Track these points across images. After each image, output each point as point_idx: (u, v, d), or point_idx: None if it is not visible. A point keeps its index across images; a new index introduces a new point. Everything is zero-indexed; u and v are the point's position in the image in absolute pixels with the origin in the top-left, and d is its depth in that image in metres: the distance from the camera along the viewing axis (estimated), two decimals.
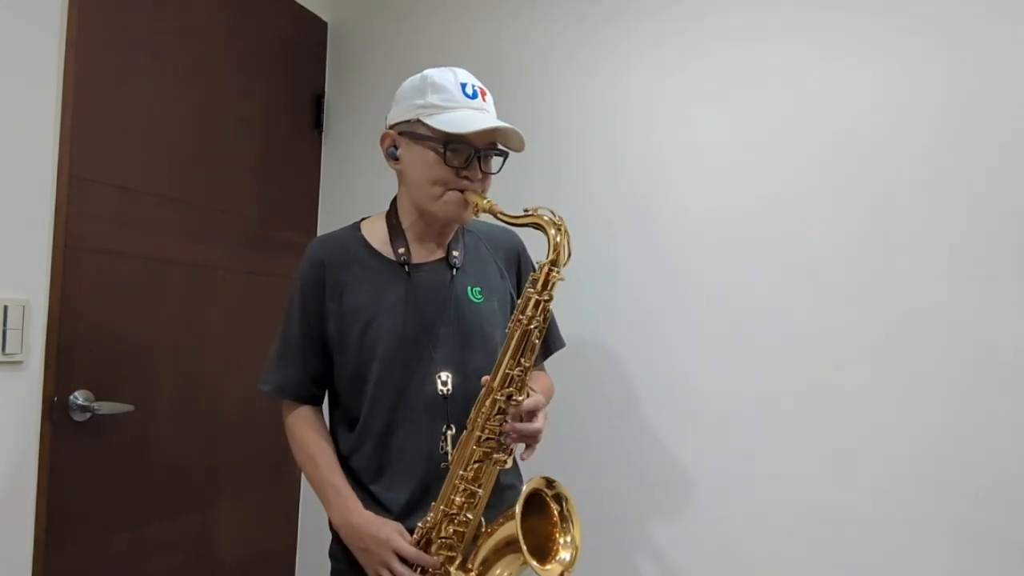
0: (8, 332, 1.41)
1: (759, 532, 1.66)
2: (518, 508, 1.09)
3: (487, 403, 1.16)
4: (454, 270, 1.31)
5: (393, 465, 1.25)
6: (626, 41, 1.86)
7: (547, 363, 1.48)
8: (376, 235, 1.33)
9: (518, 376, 1.15)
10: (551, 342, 1.43)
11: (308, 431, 1.32)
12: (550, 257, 1.17)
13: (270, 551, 2.12)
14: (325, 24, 2.26)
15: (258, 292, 2.03)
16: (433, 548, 1.17)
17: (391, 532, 1.18)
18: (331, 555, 1.32)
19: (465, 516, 1.16)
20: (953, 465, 1.50)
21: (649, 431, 1.77)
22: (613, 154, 1.85)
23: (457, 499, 1.16)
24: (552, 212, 1.19)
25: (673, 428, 1.75)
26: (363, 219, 1.39)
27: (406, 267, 1.29)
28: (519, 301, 1.18)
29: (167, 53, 1.75)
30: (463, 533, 1.17)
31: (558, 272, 1.17)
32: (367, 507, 1.24)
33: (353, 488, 1.26)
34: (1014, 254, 1.48)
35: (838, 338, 1.61)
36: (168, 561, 1.77)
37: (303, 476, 2.17)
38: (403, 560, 1.17)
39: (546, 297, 1.17)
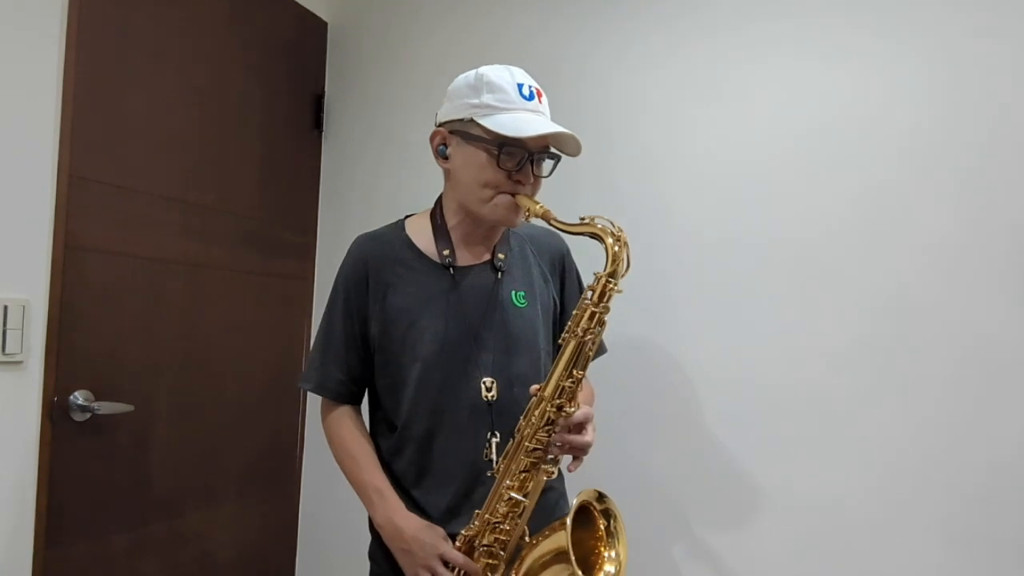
0: (8, 332, 1.41)
1: (750, 532, 1.66)
2: (569, 519, 1.06)
3: (536, 413, 1.13)
4: (499, 273, 1.28)
5: (434, 470, 1.23)
6: (638, 41, 1.86)
7: None
8: (421, 235, 1.30)
9: (569, 387, 1.13)
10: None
11: (349, 431, 1.30)
12: (608, 269, 1.13)
13: (270, 551, 2.12)
14: (325, 24, 2.26)
15: (258, 292, 2.03)
16: (475, 555, 1.16)
17: (437, 537, 1.17)
18: (370, 556, 1.31)
19: (509, 525, 1.14)
20: (945, 463, 1.50)
21: (650, 430, 1.78)
22: (613, 154, 1.86)
23: (501, 508, 1.14)
24: (611, 222, 1.16)
25: (673, 427, 1.75)
26: (408, 216, 1.36)
27: (451, 269, 1.26)
28: (575, 311, 1.15)
29: (167, 53, 1.75)
30: (506, 542, 1.15)
31: (616, 284, 1.14)
32: (409, 511, 1.22)
33: (397, 492, 1.25)
34: (1008, 251, 1.48)
35: (831, 336, 1.61)
36: (168, 561, 1.77)
37: (302, 478, 2.19)
38: (446, 565, 1.15)
39: (602, 309, 1.13)
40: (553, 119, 1.23)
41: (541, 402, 1.13)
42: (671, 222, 1.78)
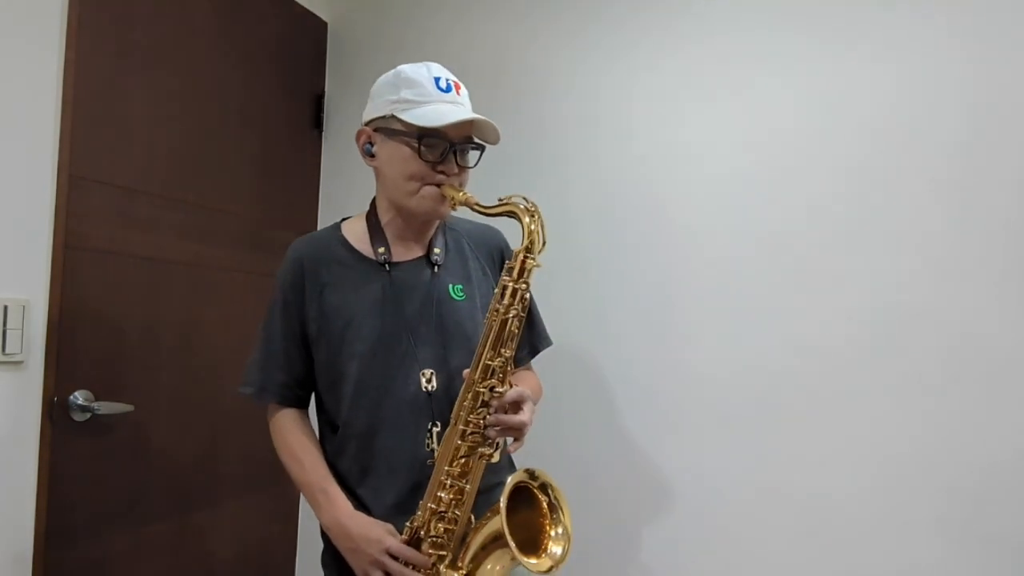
0: (8, 332, 1.41)
1: (747, 530, 1.66)
2: (503, 502, 1.07)
3: (469, 396, 1.14)
4: (435, 268, 1.29)
5: (377, 467, 1.23)
6: (633, 43, 1.86)
7: (541, 365, 1.46)
8: (356, 234, 1.32)
9: (499, 367, 1.14)
10: (537, 341, 1.42)
11: (292, 433, 1.29)
12: (524, 244, 1.15)
13: (270, 551, 2.12)
14: (325, 24, 2.26)
15: (258, 292, 2.03)
16: (423, 547, 1.16)
17: (382, 532, 1.17)
18: (323, 563, 1.30)
19: (454, 513, 1.15)
20: (941, 462, 1.51)
21: (642, 429, 1.78)
22: (613, 154, 1.86)
23: (444, 496, 1.15)
24: (525, 199, 1.18)
25: (669, 428, 1.75)
26: (344, 219, 1.38)
27: (386, 266, 1.27)
28: (495, 290, 1.17)
29: (167, 53, 1.75)
30: (452, 531, 1.15)
31: (534, 259, 1.16)
32: (354, 510, 1.22)
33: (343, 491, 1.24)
34: (1004, 250, 1.48)
35: (825, 335, 1.61)
36: (168, 561, 1.77)
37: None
38: (394, 559, 1.15)
39: (522, 285, 1.15)
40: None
41: (472, 385, 1.14)
42: (665, 220, 1.78)
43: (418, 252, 1.31)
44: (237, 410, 1.96)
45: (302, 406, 1.34)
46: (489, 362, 1.14)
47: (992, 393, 1.48)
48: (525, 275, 1.16)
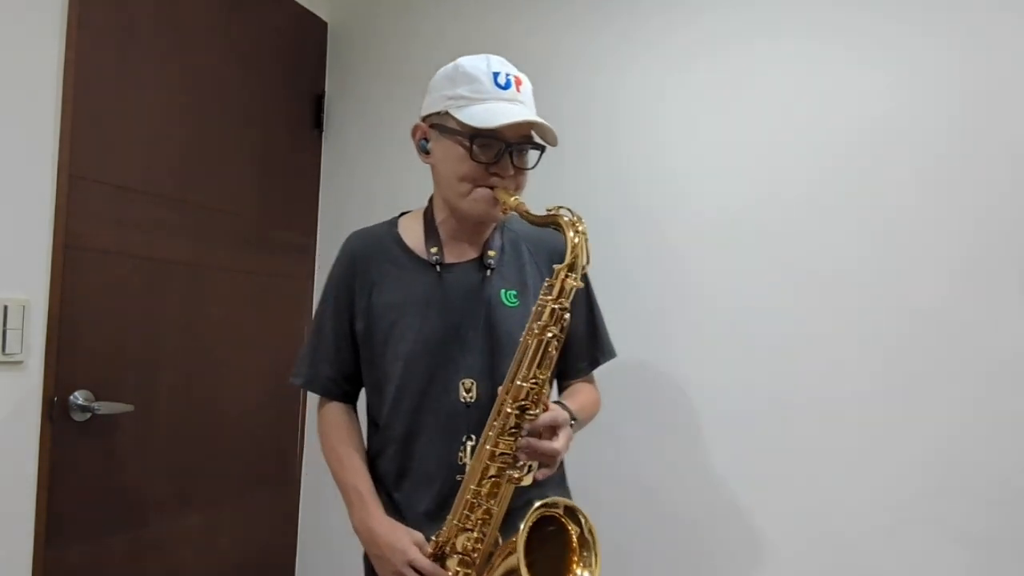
0: (8, 332, 1.41)
1: (760, 536, 1.66)
2: (520, 543, 0.98)
3: (500, 416, 1.09)
4: (488, 271, 1.23)
5: (414, 473, 1.20)
6: (628, 40, 1.86)
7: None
8: (412, 232, 1.28)
9: (532, 389, 1.07)
10: (598, 353, 1.34)
11: (336, 429, 1.28)
12: (567, 260, 1.09)
13: (270, 551, 2.12)
14: (325, 24, 2.26)
15: (258, 292, 2.03)
16: (451, 563, 1.11)
17: (408, 543, 1.13)
18: (364, 558, 1.27)
19: (481, 532, 1.10)
20: (958, 468, 1.50)
21: (649, 435, 1.77)
22: (615, 154, 1.86)
23: (473, 515, 1.10)
24: (571, 211, 1.12)
25: (674, 432, 1.75)
26: (403, 214, 1.34)
27: (437, 267, 1.23)
28: (534, 308, 1.10)
29: (167, 53, 1.75)
30: (480, 550, 1.10)
31: (576, 278, 1.09)
32: (389, 513, 1.20)
33: (377, 491, 1.23)
34: (1018, 256, 1.48)
35: (841, 341, 1.60)
36: (168, 561, 1.77)
37: (302, 477, 2.19)
38: (418, 572, 1.11)
39: (562, 304, 1.08)
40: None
41: (502, 405, 1.09)
42: (674, 223, 1.78)
43: (472, 254, 1.25)
44: (237, 410, 1.96)
45: (350, 401, 1.33)
46: (522, 383, 1.07)
47: (1005, 397, 1.47)
48: (566, 295, 1.08)
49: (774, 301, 1.67)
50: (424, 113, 1.23)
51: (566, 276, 1.09)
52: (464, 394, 1.18)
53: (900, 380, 1.55)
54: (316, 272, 2.23)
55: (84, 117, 1.55)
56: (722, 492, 1.69)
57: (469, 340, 1.19)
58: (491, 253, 1.25)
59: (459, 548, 1.11)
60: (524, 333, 1.10)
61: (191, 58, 1.81)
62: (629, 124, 1.84)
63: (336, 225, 2.22)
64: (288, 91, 2.14)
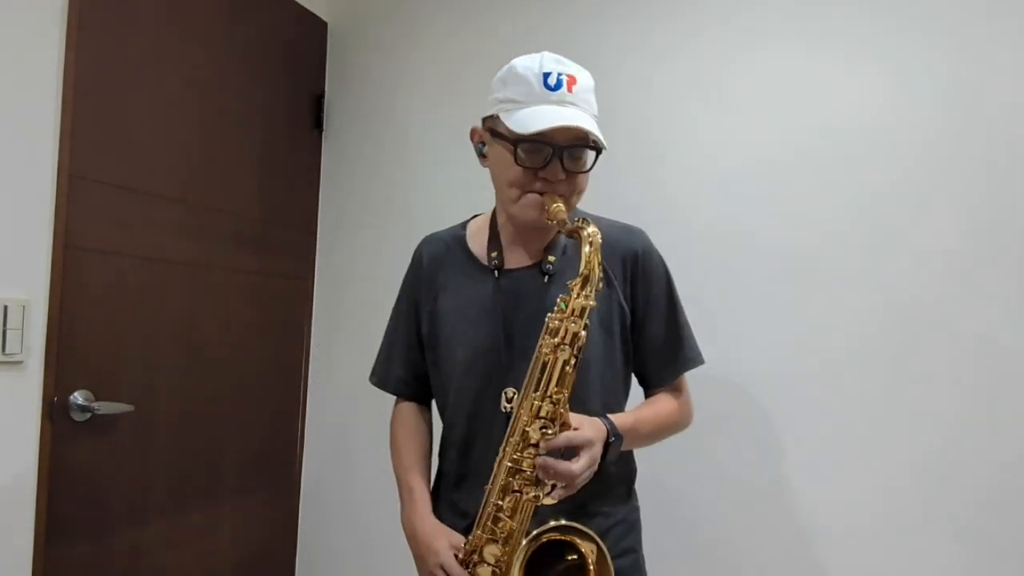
0: (8, 332, 1.41)
1: (758, 534, 1.66)
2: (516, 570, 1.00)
3: (517, 432, 1.06)
4: (547, 277, 1.19)
5: (471, 475, 1.20)
6: (625, 40, 1.86)
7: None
8: (477, 236, 1.27)
9: (549, 408, 1.04)
10: (682, 361, 1.26)
11: (403, 427, 1.31)
12: (580, 275, 1.05)
13: (270, 551, 2.12)
14: (325, 24, 2.26)
15: (258, 292, 2.03)
16: (481, 570, 1.09)
17: (444, 544, 1.13)
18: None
19: (502, 547, 1.08)
20: (954, 465, 1.50)
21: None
22: (612, 154, 1.86)
23: (497, 527, 1.08)
24: (587, 221, 1.08)
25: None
26: (474, 216, 1.32)
27: (496, 272, 1.21)
28: (546, 321, 1.07)
29: (167, 53, 1.75)
30: (506, 561, 1.07)
31: (588, 297, 1.04)
32: (446, 513, 1.20)
33: (438, 491, 1.25)
34: (1013, 252, 1.48)
35: (837, 338, 1.61)
36: (168, 561, 1.77)
37: (302, 477, 2.19)
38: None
39: (574, 323, 1.04)
40: None
41: (518, 420, 1.06)
42: (672, 221, 1.78)
43: (532, 259, 1.22)
44: (237, 410, 1.96)
45: (423, 401, 1.34)
46: (536, 402, 1.04)
47: (1006, 397, 1.48)
48: (579, 313, 1.04)
49: (771, 298, 1.67)
50: (484, 116, 1.20)
51: (578, 294, 1.05)
52: (505, 403, 1.16)
53: (898, 379, 1.55)
54: (316, 272, 2.24)
55: (84, 117, 1.55)
56: (721, 491, 1.70)
57: (524, 347, 1.13)
58: (551, 258, 1.20)
59: (486, 558, 1.09)
60: (538, 344, 1.07)
61: (191, 58, 1.81)
62: (628, 123, 1.84)
63: (336, 225, 2.22)
64: (288, 91, 2.14)
